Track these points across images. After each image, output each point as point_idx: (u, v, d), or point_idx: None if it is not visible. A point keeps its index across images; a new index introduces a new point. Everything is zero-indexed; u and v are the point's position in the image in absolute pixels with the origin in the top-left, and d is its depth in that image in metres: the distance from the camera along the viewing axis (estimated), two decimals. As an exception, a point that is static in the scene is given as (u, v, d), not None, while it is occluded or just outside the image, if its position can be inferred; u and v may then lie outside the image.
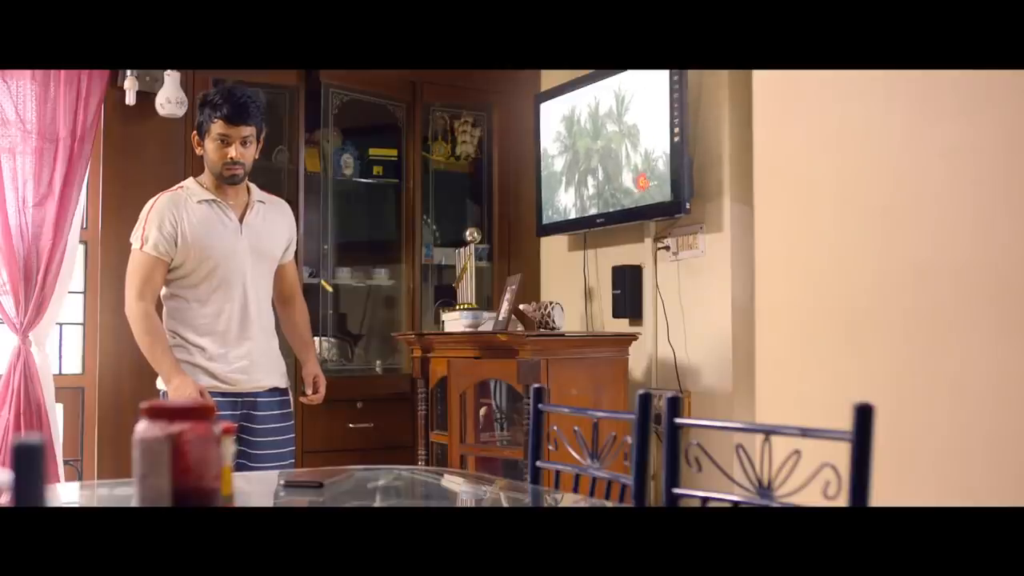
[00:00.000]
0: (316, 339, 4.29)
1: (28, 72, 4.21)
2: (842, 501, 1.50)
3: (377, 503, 2.24)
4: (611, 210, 4.48)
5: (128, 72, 4.37)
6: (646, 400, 1.98)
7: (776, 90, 2.49)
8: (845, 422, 1.55)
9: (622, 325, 4.62)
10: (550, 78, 5.19)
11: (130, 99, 4.40)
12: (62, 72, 4.23)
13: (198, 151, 3.34)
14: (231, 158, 3.25)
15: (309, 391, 3.50)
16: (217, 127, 3.24)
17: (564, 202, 4.80)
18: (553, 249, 5.15)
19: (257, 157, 3.38)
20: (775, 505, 1.62)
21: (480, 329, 4.34)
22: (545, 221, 4.87)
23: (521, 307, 4.31)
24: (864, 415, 1.52)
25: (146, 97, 4.43)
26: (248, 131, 3.27)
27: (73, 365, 4.55)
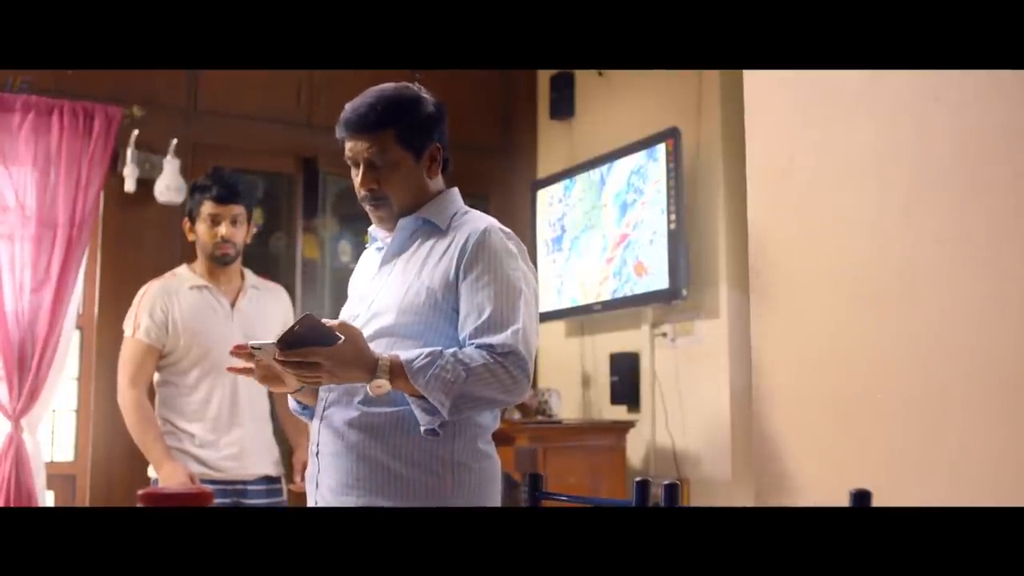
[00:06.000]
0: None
1: (29, 159, 4.24)
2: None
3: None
4: (608, 297, 4.48)
5: (128, 159, 4.40)
6: (644, 488, 1.96)
7: (770, 175, 2.51)
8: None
9: (620, 412, 4.59)
10: (546, 165, 5.23)
11: (129, 186, 4.42)
12: (63, 159, 4.26)
13: (190, 237, 3.37)
14: (222, 236, 3.28)
15: (297, 478, 3.46)
16: (207, 208, 3.28)
17: (561, 289, 4.81)
18: (550, 336, 5.14)
19: (248, 241, 3.40)
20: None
21: (477, 416, 4.30)
22: (541, 308, 4.86)
23: (518, 394, 4.27)
24: (862, 502, 1.51)
25: (145, 185, 4.45)
26: (238, 210, 3.30)
27: (65, 452, 4.50)
